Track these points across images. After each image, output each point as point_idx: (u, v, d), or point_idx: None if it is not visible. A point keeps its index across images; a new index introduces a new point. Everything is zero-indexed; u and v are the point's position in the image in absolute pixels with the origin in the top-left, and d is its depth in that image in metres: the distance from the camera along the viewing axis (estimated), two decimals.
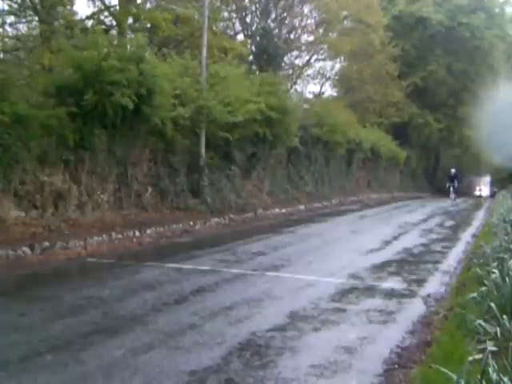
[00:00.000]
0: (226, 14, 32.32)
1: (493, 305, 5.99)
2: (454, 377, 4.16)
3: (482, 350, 4.75)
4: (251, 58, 29.91)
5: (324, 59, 38.52)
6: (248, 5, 33.47)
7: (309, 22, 35.16)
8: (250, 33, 32.69)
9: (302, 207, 23.84)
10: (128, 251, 12.12)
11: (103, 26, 19.18)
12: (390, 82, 40.83)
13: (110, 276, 9.57)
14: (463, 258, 12.10)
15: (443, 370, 4.43)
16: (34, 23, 18.11)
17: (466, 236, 16.44)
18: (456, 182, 35.95)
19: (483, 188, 58.58)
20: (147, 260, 11.10)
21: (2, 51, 18.44)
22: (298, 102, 29.17)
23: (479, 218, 23.52)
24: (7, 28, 18.30)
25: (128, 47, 15.85)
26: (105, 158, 14.35)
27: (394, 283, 9.41)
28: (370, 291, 8.75)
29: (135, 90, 13.66)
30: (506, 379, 4.11)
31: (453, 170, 36.39)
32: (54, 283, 9.20)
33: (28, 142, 11.98)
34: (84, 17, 19.43)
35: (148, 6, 21.63)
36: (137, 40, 15.68)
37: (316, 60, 37.88)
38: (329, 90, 43.74)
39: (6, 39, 18.74)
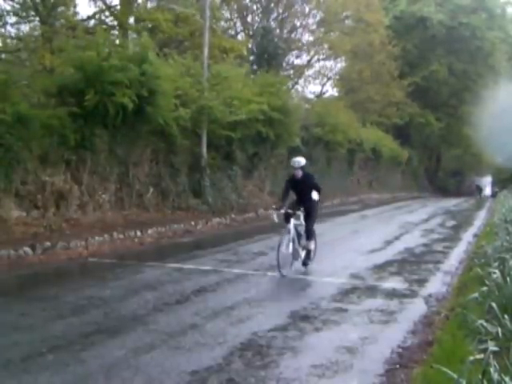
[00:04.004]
0: (227, 15, 32.39)
1: (494, 305, 5.98)
2: (456, 377, 4.16)
3: (484, 350, 4.74)
4: (252, 57, 29.91)
5: (325, 59, 38.56)
6: (249, 4, 33.49)
7: (310, 21, 35.23)
8: (251, 32, 32.71)
9: None
10: (129, 251, 12.13)
11: (104, 26, 19.18)
12: (390, 82, 40.83)
13: (112, 276, 9.57)
14: (464, 258, 12.09)
15: (445, 369, 4.42)
16: (36, 23, 18.12)
17: (467, 236, 16.42)
18: (306, 199, 10.17)
19: (485, 188, 58.35)
20: (148, 260, 11.10)
21: (3, 51, 18.45)
22: (299, 102, 29.18)
23: (480, 217, 23.48)
24: (9, 28, 18.33)
25: (131, 47, 15.87)
26: (106, 158, 14.36)
27: (395, 283, 9.41)
28: (372, 291, 8.75)
29: (137, 91, 13.67)
30: (507, 379, 4.10)
31: (299, 160, 10.11)
32: (55, 283, 9.21)
33: (29, 141, 11.99)
34: (85, 17, 19.44)
35: (149, 5, 21.65)
36: (141, 41, 15.70)
37: (317, 60, 37.94)
38: (330, 90, 43.88)
39: (8, 40, 18.75)
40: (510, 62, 48.16)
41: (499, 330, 5.43)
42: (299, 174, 10.00)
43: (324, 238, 15.43)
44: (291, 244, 9.76)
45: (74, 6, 17.97)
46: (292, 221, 9.90)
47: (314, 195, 10.13)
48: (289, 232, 9.80)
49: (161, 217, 15.65)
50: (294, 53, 36.01)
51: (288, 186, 10.32)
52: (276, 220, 10.07)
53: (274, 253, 12.09)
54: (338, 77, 41.80)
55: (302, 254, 10.20)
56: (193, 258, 11.43)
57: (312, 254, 10.40)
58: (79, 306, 7.38)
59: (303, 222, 10.14)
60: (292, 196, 10.52)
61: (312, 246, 10.32)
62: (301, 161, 10.04)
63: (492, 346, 4.79)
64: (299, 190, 10.26)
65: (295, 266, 10.04)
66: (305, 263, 10.23)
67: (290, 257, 9.81)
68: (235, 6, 32.65)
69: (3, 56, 18.55)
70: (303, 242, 10.19)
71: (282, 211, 10.01)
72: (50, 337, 6.05)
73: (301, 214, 10.01)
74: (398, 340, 6.28)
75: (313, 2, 34.21)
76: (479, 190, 54.99)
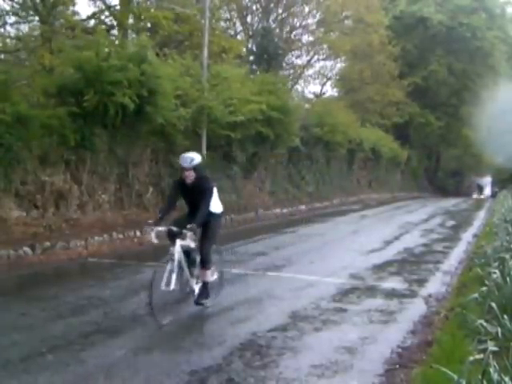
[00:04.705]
0: (227, 15, 32.40)
1: (494, 305, 5.98)
2: (455, 377, 4.16)
3: (483, 350, 4.74)
4: (252, 58, 29.92)
5: (325, 59, 38.62)
6: (249, 5, 33.50)
7: (309, 21, 35.27)
8: (250, 33, 32.73)
9: (302, 207, 23.84)
10: (129, 251, 12.12)
11: (104, 26, 19.18)
12: (390, 82, 40.85)
13: (111, 276, 9.57)
14: (464, 258, 12.09)
15: (444, 370, 4.43)
16: (35, 23, 18.11)
17: (467, 236, 16.42)
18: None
19: (485, 188, 58.25)
20: (148, 260, 11.05)
21: (3, 51, 18.44)
22: (299, 102, 29.19)
23: (480, 217, 23.49)
24: (8, 28, 18.34)
25: (130, 47, 15.87)
26: (106, 158, 14.36)
27: (395, 283, 9.41)
28: (371, 291, 8.75)
29: (137, 90, 13.66)
30: (507, 379, 4.10)
31: (191, 157, 7.05)
32: (54, 283, 9.21)
33: (29, 141, 11.98)
34: (85, 17, 19.45)
35: (148, 5, 21.64)
36: (139, 40, 15.71)
37: (317, 60, 37.99)
38: (329, 91, 43.93)
39: (7, 39, 18.75)
40: (509, 61, 48.18)
41: (499, 330, 5.43)
42: (191, 176, 6.91)
43: (324, 237, 15.49)
44: (174, 276, 6.60)
45: (73, 5, 17.93)
46: (178, 242, 6.84)
47: (215, 206, 7.23)
48: (172, 259, 6.74)
49: None
50: (294, 53, 36.08)
51: (175, 192, 7.31)
52: (154, 240, 6.91)
53: (276, 252, 12.23)
54: (337, 77, 41.87)
55: (196, 288, 7.22)
56: None
57: (210, 289, 7.38)
58: (79, 306, 7.38)
59: (191, 246, 7.11)
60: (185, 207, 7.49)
61: (210, 277, 7.32)
62: (194, 158, 6.94)
63: (492, 346, 4.79)
64: (191, 199, 7.17)
65: (184, 307, 7.21)
66: (198, 302, 7.20)
67: (174, 295, 6.79)
68: (234, 7, 32.68)
69: (2, 56, 18.55)
70: (197, 271, 7.27)
71: (162, 228, 7.00)
72: (49, 337, 6.05)
73: (188, 232, 6.73)
74: (397, 340, 6.28)
75: (312, 2, 34.24)
76: (480, 188, 55.18)
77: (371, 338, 6.34)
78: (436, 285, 9.39)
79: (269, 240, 14.41)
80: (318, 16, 35.44)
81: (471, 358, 4.38)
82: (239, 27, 33.92)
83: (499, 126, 31.71)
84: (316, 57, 37.39)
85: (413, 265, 11.29)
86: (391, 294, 8.60)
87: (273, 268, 10.36)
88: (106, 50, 14.06)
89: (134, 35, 19.07)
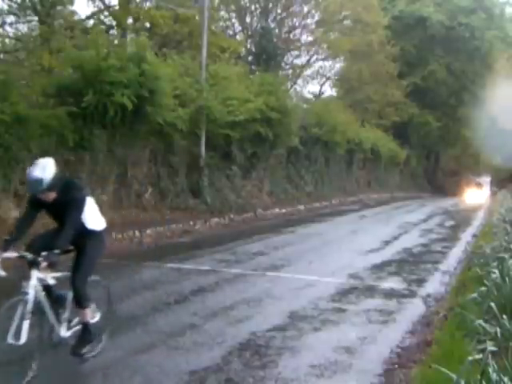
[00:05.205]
0: (225, 15, 32.40)
1: (493, 305, 5.98)
2: (454, 377, 4.16)
3: (482, 350, 4.75)
4: (251, 57, 29.92)
5: (323, 59, 38.61)
6: (248, 5, 33.50)
7: (308, 21, 35.28)
8: (249, 33, 32.73)
9: (301, 207, 23.83)
10: (128, 251, 12.10)
11: (103, 26, 19.17)
12: (389, 82, 40.88)
13: (110, 276, 9.53)
14: (463, 258, 12.09)
15: (443, 369, 4.42)
16: (34, 23, 18.10)
17: (465, 236, 16.43)
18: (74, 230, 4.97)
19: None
20: (147, 260, 11.08)
21: (1, 52, 18.42)
22: (297, 101, 29.20)
23: (479, 218, 23.51)
24: (7, 28, 18.31)
25: (129, 47, 15.88)
26: (105, 158, 14.34)
27: (393, 283, 9.42)
28: (370, 291, 8.75)
29: (136, 90, 13.66)
30: (506, 379, 4.10)
31: (38, 179, 4.66)
32: None
33: (28, 141, 11.96)
34: (84, 17, 19.44)
35: (148, 5, 21.66)
36: (138, 40, 15.71)
37: (316, 60, 37.99)
38: (328, 91, 43.95)
39: (7, 39, 18.73)
40: (508, 61, 48.24)
41: (498, 329, 5.42)
42: (50, 197, 4.89)
43: (323, 237, 15.48)
44: (27, 324, 4.56)
45: (72, 5, 17.90)
46: (35, 274, 4.87)
47: (91, 221, 5.36)
48: (25, 300, 4.72)
49: (159, 217, 15.63)
50: (293, 53, 36.09)
51: (33, 206, 5.15)
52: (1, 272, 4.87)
53: (275, 252, 12.25)
54: (336, 77, 41.88)
55: (68, 334, 5.14)
56: (191, 257, 11.42)
57: (94, 332, 5.29)
58: None
59: (49, 281, 5.05)
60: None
61: (89, 317, 5.27)
62: (43, 178, 4.70)
63: (491, 346, 4.79)
64: (57, 214, 5.20)
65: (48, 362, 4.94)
66: (76, 351, 5.16)
67: (32, 348, 4.68)
68: (233, 7, 32.68)
69: (2, 56, 18.53)
70: (68, 313, 5.18)
71: (11, 254, 5.00)
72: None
73: (44, 262, 4.79)
74: (396, 340, 6.29)
75: (311, 2, 34.25)
76: (480, 187, 55.16)
77: (370, 337, 6.35)
78: (435, 285, 9.41)
79: (268, 240, 14.40)
80: (316, 16, 35.49)
81: (470, 358, 4.37)
82: (238, 27, 33.94)
83: (498, 126, 31.80)
84: (315, 57, 37.43)
85: (412, 265, 11.30)
86: (390, 293, 8.61)
87: (272, 268, 10.36)
88: (105, 49, 14.06)
89: (132, 35, 19.05)
